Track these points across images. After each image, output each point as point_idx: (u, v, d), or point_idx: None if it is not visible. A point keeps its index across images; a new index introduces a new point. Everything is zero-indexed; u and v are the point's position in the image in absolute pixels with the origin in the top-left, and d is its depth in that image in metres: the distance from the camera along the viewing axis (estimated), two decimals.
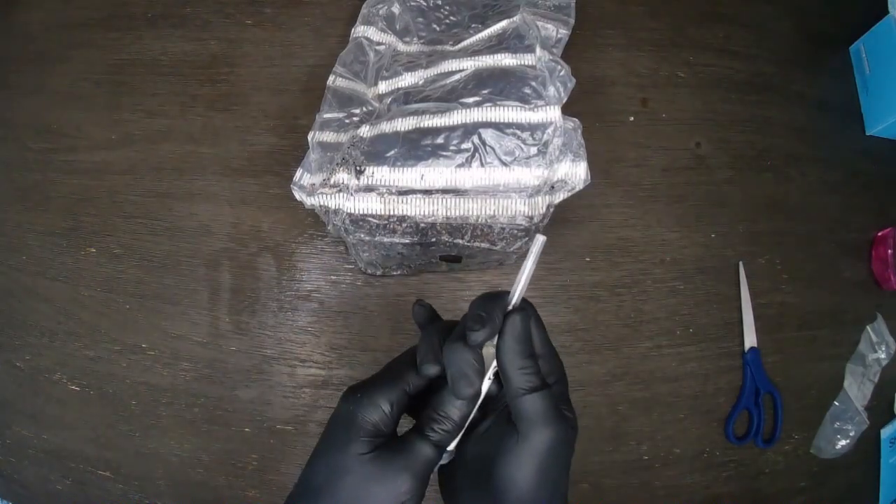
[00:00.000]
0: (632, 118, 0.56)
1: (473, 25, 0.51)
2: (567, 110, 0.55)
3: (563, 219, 0.54)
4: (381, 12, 0.51)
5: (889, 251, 0.55)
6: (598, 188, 0.54)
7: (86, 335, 0.50)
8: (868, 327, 0.55)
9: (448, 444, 0.30)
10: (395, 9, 0.51)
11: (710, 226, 0.55)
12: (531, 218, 0.43)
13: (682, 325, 0.53)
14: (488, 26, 0.50)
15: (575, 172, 0.43)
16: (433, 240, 0.44)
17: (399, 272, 0.51)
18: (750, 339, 0.53)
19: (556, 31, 0.52)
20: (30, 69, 0.55)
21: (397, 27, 0.51)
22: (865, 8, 0.57)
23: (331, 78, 0.49)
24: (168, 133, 0.54)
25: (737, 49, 0.59)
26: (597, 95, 0.56)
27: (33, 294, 0.51)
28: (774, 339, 0.54)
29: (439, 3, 0.53)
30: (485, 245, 0.45)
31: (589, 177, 0.44)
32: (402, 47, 0.51)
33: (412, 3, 0.52)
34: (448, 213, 0.43)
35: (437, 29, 0.52)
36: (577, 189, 0.44)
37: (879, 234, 0.57)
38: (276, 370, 0.50)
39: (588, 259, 0.53)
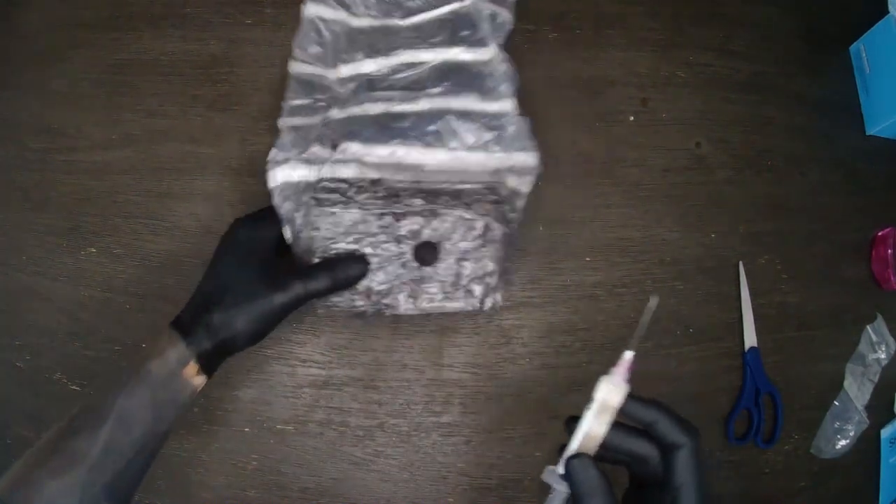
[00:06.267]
0: (632, 118, 0.56)
1: None
2: (567, 110, 0.56)
3: (563, 219, 0.54)
4: None
5: (889, 251, 0.55)
6: (598, 188, 0.54)
7: (86, 335, 0.50)
8: (868, 327, 0.55)
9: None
10: None
11: (710, 226, 0.55)
12: (497, 183, 0.46)
13: (682, 325, 0.53)
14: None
15: (527, 161, 0.47)
16: (406, 206, 0.44)
17: (363, 302, 0.45)
18: (750, 339, 0.53)
19: (501, 21, 0.53)
20: (30, 69, 0.55)
21: (345, 0, 0.52)
22: (865, 8, 0.57)
23: (290, 64, 0.50)
24: (168, 133, 0.53)
25: (737, 49, 0.59)
26: (597, 95, 0.56)
27: (33, 294, 0.51)
28: (774, 339, 0.54)
29: None
30: (459, 212, 0.44)
31: (540, 165, 0.47)
32: (354, 22, 0.51)
33: None
34: (417, 178, 0.45)
35: None
36: (531, 176, 0.47)
37: (879, 234, 0.57)
38: (276, 370, 0.50)
39: (588, 259, 0.53)
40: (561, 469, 0.32)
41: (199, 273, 0.42)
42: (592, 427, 0.32)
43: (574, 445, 0.32)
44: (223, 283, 0.39)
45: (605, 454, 0.33)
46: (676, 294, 0.53)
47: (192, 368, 0.37)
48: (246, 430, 0.49)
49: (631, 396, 0.33)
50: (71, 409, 0.37)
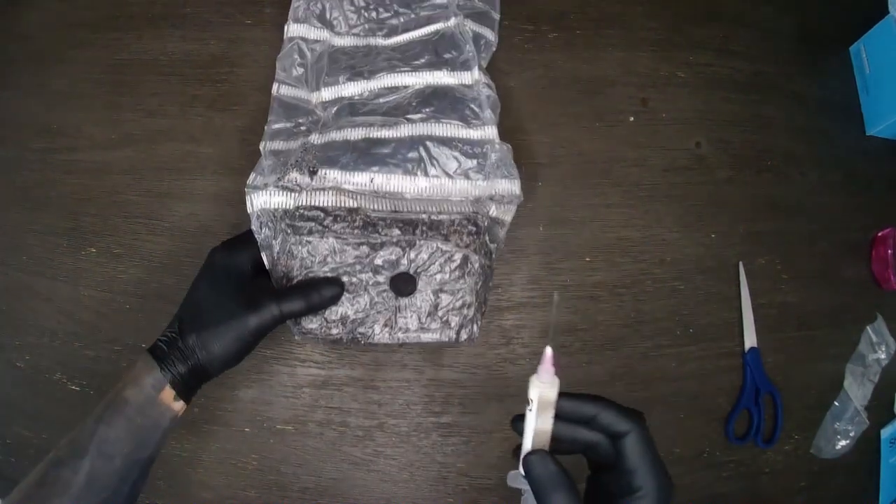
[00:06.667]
0: (632, 118, 0.56)
1: (401, 10, 0.53)
2: (567, 110, 0.56)
3: (563, 219, 0.54)
4: (311, 7, 0.52)
5: (889, 251, 0.55)
6: (598, 188, 0.54)
7: (86, 335, 0.50)
8: (868, 327, 0.55)
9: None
10: (325, 1, 0.52)
11: (710, 226, 0.55)
12: (476, 213, 0.45)
13: (682, 325, 0.53)
14: (417, 15, 0.52)
15: (510, 189, 0.47)
16: (384, 236, 0.43)
17: (338, 330, 0.44)
18: (750, 339, 0.53)
19: (485, 42, 0.53)
20: (30, 69, 0.55)
21: (328, 18, 0.52)
22: (865, 8, 0.57)
23: (274, 86, 0.51)
24: (168, 133, 0.54)
25: (737, 49, 0.59)
26: (597, 95, 0.56)
27: (33, 294, 0.51)
28: (774, 339, 0.54)
29: None
30: (437, 243, 0.44)
31: (522, 195, 0.47)
32: (336, 41, 0.52)
33: None
34: (395, 207, 0.44)
35: (366, 15, 0.53)
36: (513, 203, 0.47)
37: (879, 234, 0.57)
38: (276, 370, 0.50)
39: (588, 259, 0.53)
40: (522, 469, 0.32)
41: None
42: (538, 424, 0.32)
43: (528, 444, 0.32)
44: (198, 307, 0.40)
45: (559, 446, 0.33)
46: (676, 294, 0.53)
47: (168, 393, 0.37)
48: (246, 430, 0.49)
49: (567, 395, 0.33)
50: (59, 440, 0.37)
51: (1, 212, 0.52)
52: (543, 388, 0.32)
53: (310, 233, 0.43)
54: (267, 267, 0.44)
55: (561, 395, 0.32)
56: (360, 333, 0.44)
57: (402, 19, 0.52)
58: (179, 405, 0.38)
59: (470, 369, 0.51)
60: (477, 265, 0.44)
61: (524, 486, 0.32)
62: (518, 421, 0.33)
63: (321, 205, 0.44)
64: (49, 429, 0.49)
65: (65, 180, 0.53)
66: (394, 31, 0.52)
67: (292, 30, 0.52)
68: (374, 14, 0.53)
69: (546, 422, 0.32)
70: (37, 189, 0.53)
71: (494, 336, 0.51)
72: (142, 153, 0.53)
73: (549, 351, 0.33)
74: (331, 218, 0.43)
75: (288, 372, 0.50)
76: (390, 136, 0.46)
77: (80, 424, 0.37)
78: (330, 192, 0.44)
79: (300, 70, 0.51)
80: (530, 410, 0.32)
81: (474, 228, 0.45)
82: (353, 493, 0.49)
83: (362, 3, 0.53)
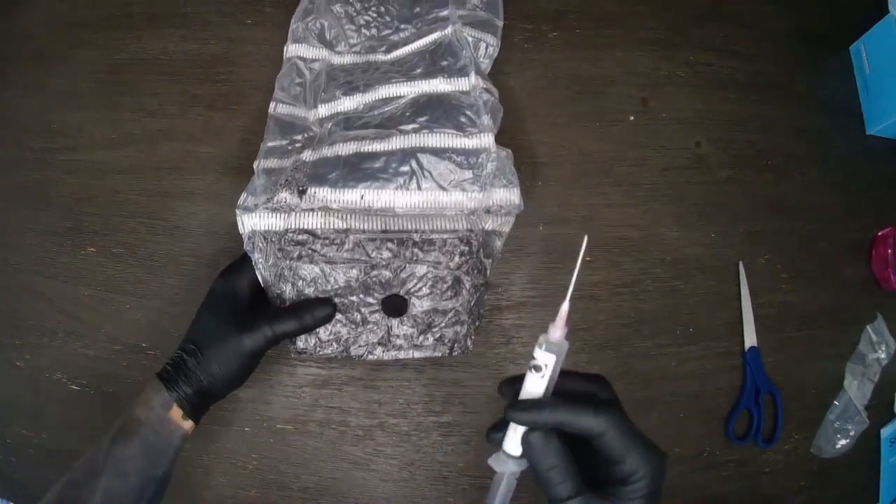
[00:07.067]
0: (632, 118, 0.56)
1: (402, 26, 0.52)
2: (567, 110, 0.56)
3: (563, 218, 0.54)
4: (310, 27, 0.51)
5: (889, 251, 0.55)
6: (598, 188, 0.54)
7: (86, 335, 0.50)
8: (868, 327, 0.55)
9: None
10: (325, 21, 0.51)
11: (710, 226, 0.55)
12: (470, 232, 0.44)
13: (682, 325, 0.53)
14: (418, 30, 0.51)
15: (509, 198, 0.45)
16: (374, 259, 0.43)
17: (332, 349, 0.45)
18: (750, 339, 0.53)
19: (486, 47, 0.53)
20: (30, 69, 0.55)
21: (327, 37, 0.52)
22: (865, 8, 0.57)
23: (272, 105, 0.51)
24: (168, 132, 0.54)
25: (737, 49, 0.59)
26: (597, 95, 0.56)
27: (33, 294, 0.51)
28: (774, 339, 0.54)
29: (367, 4, 0.52)
30: (427, 266, 0.44)
31: (522, 203, 0.45)
32: (335, 59, 0.51)
33: (338, 10, 0.52)
34: (386, 226, 0.44)
35: (367, 34, 0.52)
36: (512, 214, 0.46)
37: (879, 233, 0.57)
38: (276, 370, 0.50)
39: (588, 259, 0.53)
40: (511, 447, 0.30)
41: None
42: (539, 392, 0.29)
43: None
44: (200, 332, 0.42)
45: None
46: (676, 294, 0.53)
47: (176, 413, 0.39)
48: (246, 429, 0.49)
49: (525, 405, 0.30)
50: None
51: (1, 212, 0.52)
52: (553, 350, 0.29)
53: (299, 258, 0.43)
54: (263, 286, 0.45)
55: (515, 403, 0.29)
56: (353, 353, 0.44)
57: (402, 35, 0.52)
58: (189, 424, 0.40)
59: (470, 368, 0.51)
60: (469, 285, 0.44)
61: (512, 468, 0.30)
62: (509, 386, 0.31)
63: (310, 227, 0.44)
64: (49, 429, 0.49)
65: (65, 180, 0.53)
66: (394, 47, 0.51)
67: (291, 50, 0.51)
68: (374, 31, 0.52)
69: (549, 390, 0.29)
70: (37, 189, 0.53)
71: (494, 335, 0.51)
72: (142, 153, 0.53)
73: (565, 308, 0.30)
74: (320, 242, 0.43)
75: (288, 371, 0.50)
76: (381, 149, 0.44)
77: (95, 446, 0.38)
78: (319, 214, 0.44)
79: (298, 89, 0.51)
80: (542, 377, 0.29)
81: (466, 248, 0.44)
82: (354, 493, 0.49)
83: (362, 22, 0.52)
